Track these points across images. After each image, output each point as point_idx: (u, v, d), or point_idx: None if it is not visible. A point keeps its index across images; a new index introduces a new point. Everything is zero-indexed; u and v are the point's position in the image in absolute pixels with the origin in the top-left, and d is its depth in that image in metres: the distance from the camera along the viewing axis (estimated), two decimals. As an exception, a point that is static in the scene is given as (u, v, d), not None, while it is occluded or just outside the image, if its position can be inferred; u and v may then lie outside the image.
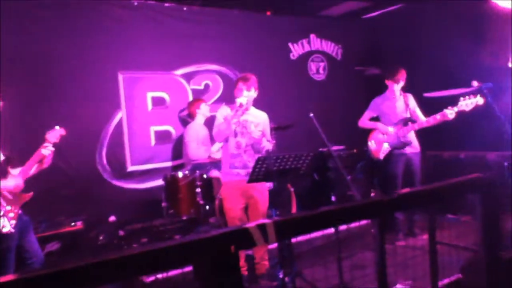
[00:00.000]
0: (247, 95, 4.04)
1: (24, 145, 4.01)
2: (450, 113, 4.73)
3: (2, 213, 3.22)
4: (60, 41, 5.10)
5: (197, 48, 6.12)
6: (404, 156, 5.17)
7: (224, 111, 4.13)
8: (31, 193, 3.47)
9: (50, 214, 3.69)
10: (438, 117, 4.84)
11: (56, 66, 5.05)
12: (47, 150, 3.52)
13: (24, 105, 4.80)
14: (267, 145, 4.06)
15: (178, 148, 5.80)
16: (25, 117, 4.77)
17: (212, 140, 5.44)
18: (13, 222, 3.25)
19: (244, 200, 4.13)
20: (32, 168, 3.51)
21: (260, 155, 3.80)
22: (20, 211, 3.39)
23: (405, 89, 5.32)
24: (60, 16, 5.11)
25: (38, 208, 3.58)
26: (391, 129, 5.18)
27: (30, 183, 3.52)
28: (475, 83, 4.44)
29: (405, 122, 5.13)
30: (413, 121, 5.11)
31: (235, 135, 4.10)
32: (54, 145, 3.53)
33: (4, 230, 3.19)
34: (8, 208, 3.26)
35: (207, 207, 4.94)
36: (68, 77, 5.12)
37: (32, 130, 4.37)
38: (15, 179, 3.37)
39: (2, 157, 3.40)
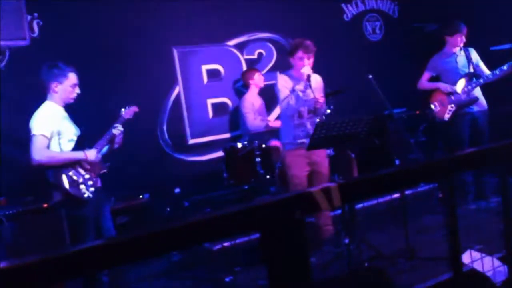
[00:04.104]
0: (307, 63, 3.95)
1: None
2: None
3: (81, 180, 3.36)
4: (114, 22, 5.20)
5: (247, 17, 6.05)
6: (471, 115, 4.88)
7: (284, 82, 4.02)
8: (108, 164, 3.59)
9: (118, 190, 3.86)
10: (505, 68, 4.52)
11: (112, 47, 5.14)
12: (117, 129, 3.64)
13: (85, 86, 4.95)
14: (326, 107, 4.00)
15: (235, 119, 5.84)
16: (87, 98, 4.92)
17: (269, 109, 5.43)
18: (92, 189, 3.39)
19: (309, 168, 4.10)
20: (104, 148, 3.63)
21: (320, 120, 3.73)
22: (98, 182, 3.51)
23: (467, 44, 4.97)
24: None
25: (104, 187, 3.70)
26: (454, 87, 4.89)
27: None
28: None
29: (470, 77, 4.81)
30: (478, 76, 4.79)
31: None
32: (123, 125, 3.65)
33: (85, 196, 3.34)
34: (87, 176, 3.40)
35: (268, 176, 4.96)
36: (125, 56, 5.22)
37: (93, 111, 4.53)
38: (90, 151, 3.48)
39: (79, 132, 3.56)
